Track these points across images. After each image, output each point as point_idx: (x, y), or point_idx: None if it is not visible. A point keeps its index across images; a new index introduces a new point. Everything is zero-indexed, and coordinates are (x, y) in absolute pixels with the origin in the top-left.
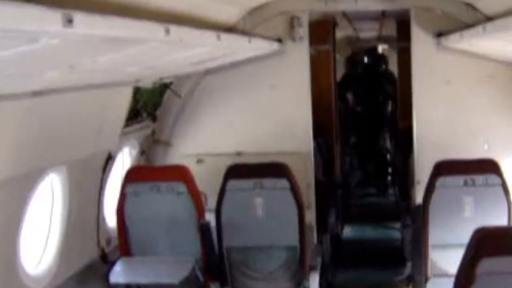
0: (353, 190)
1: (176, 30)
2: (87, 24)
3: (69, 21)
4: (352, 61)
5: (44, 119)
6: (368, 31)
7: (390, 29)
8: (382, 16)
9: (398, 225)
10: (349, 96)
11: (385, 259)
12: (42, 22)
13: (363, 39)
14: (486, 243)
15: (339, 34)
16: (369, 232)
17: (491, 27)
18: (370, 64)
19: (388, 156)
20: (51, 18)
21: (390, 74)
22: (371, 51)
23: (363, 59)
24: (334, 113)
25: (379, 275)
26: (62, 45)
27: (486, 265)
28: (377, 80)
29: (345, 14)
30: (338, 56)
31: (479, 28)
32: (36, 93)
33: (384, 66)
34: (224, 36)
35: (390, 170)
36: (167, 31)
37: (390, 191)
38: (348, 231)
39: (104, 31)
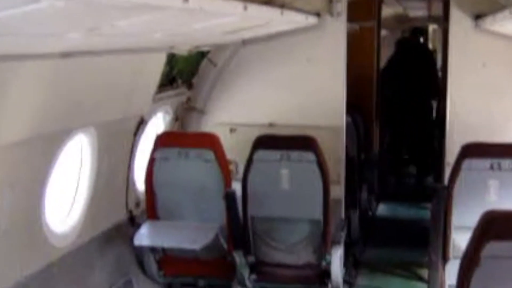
0: (393, 169)
1: None
2: None
3: None
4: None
5: (74, 80)
6: (417, 10)
7: (439, 9)
8: None
9: None
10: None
11: (415, 239)
12: None
13: (413, 18)
14: (493, 226)
15: (388, 11)
16: (404, 211)
17: None
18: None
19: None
20: None
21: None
22: (418, 30)
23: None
24: (375, 90)
25: (407, 255)
26: (71, 6)
27: (492, 248)
28: (422, 63)
29: None
30: (388, 34)
31: (506, 11)
32: (65, 54)
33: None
34: (252, 7)
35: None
36: None
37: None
38: (382, 209)
39: None
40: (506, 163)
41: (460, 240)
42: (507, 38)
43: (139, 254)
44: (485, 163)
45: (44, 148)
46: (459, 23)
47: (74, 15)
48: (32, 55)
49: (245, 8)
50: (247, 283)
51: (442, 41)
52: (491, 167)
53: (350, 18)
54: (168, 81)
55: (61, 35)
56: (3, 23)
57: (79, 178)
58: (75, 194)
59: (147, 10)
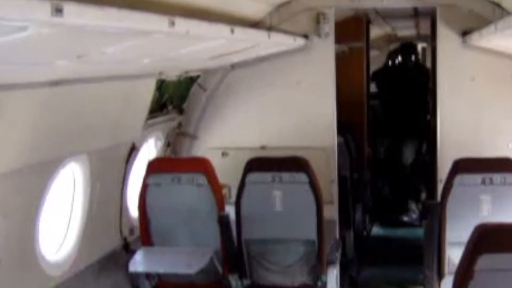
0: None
1: (182, 23)
2: (78, 14)
3: (58, 10)
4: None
5: (64, 108)
6: (405, 29)
7: (427, 28)
8: (416, 14)
9: None
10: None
11: (411, 257)
12: (31, 10)
13: (402, 37)
14: (486, 239)
15: (377, 31)
16: (400, 230)
17: (502, 25)
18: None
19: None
20: (40, 7)
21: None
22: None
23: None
24: (365, 110)
25: (403, 273)
26: (58, 34)
27: (485, 261)
28: (412, 79)
29: (378, 12)
30: (377, 55)
31: (492, 27)
32: (55, 83)
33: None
34: (239, 31)
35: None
36: (172, 24)
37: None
38: (377, 228)
39: (98, 21)
40: (497, 177)
41: (454, 255)
42: (494, 53)
43: (134, 281)
44: (477, 178)
45: (37, 177)
46: (447, 40)
47: (61, 43)
48: (22, 84)
49: (232, 31)
50: None
51: (431, 58)
52: (483, 182)
53: (339, 39)
54: (158, 107)
55: (49, 63)
56: None
57: (72, 206)
58: (69, 223)
59: (134, 35)
